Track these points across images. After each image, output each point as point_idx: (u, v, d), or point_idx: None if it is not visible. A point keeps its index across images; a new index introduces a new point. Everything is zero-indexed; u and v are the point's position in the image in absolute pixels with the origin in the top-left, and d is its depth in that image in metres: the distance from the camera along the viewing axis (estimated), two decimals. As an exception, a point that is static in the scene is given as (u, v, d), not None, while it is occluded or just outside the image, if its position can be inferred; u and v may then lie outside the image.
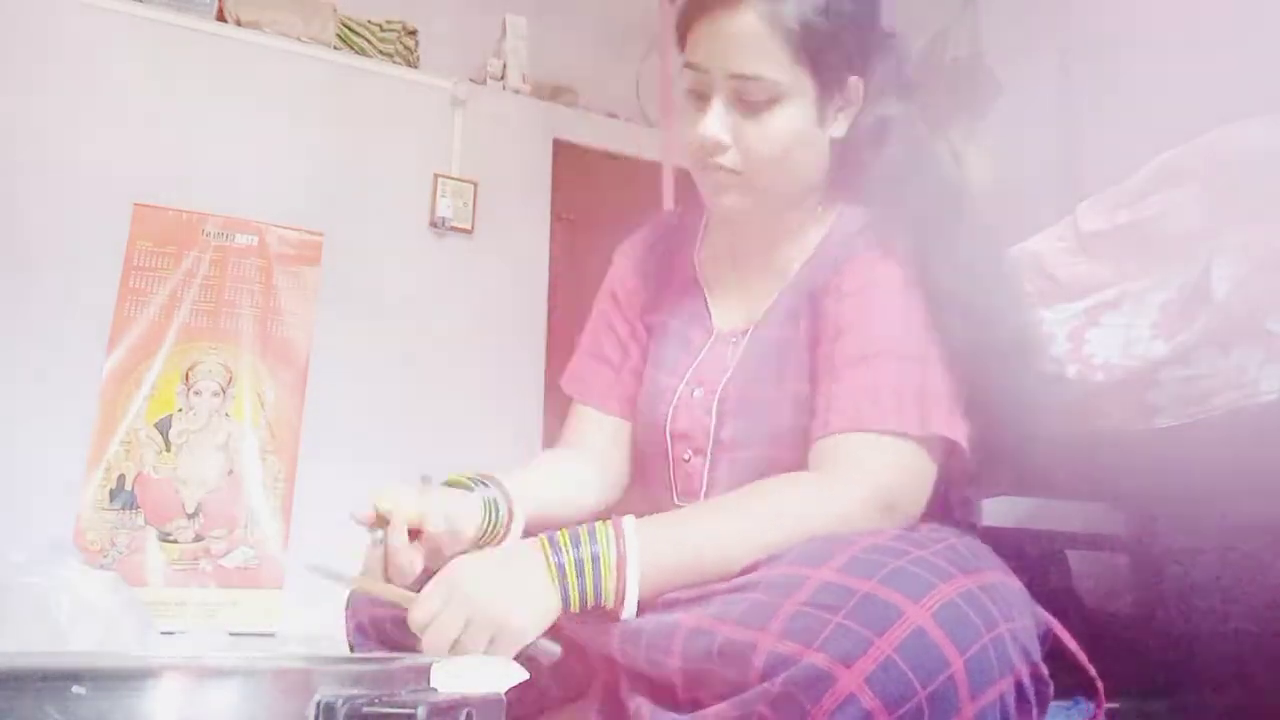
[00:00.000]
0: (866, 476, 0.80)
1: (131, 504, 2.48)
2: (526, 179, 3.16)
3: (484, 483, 0.90)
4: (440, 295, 2.96)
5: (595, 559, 0.77)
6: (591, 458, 1.06)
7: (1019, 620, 0.69)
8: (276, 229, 2.81)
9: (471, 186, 3.02)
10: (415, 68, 3.15)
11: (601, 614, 0.80)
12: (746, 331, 0.99)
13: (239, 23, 2.93)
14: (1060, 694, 0.74)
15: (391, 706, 0.53)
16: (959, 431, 0.83)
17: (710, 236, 1.09)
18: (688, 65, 0.92)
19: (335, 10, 3.10)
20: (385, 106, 3.02)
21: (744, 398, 0.95)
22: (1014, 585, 0.74)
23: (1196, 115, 1.20)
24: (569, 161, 3.24)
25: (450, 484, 0.90)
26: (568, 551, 0.78)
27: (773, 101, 0.88)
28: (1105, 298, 1.15)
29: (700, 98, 0.91)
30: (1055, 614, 0.82)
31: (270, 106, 2.88)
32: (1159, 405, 1.06)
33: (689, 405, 0.98)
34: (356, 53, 3.10)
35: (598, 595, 0.78)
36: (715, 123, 0.90)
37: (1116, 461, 1.38)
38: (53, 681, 0.48)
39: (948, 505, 0.92)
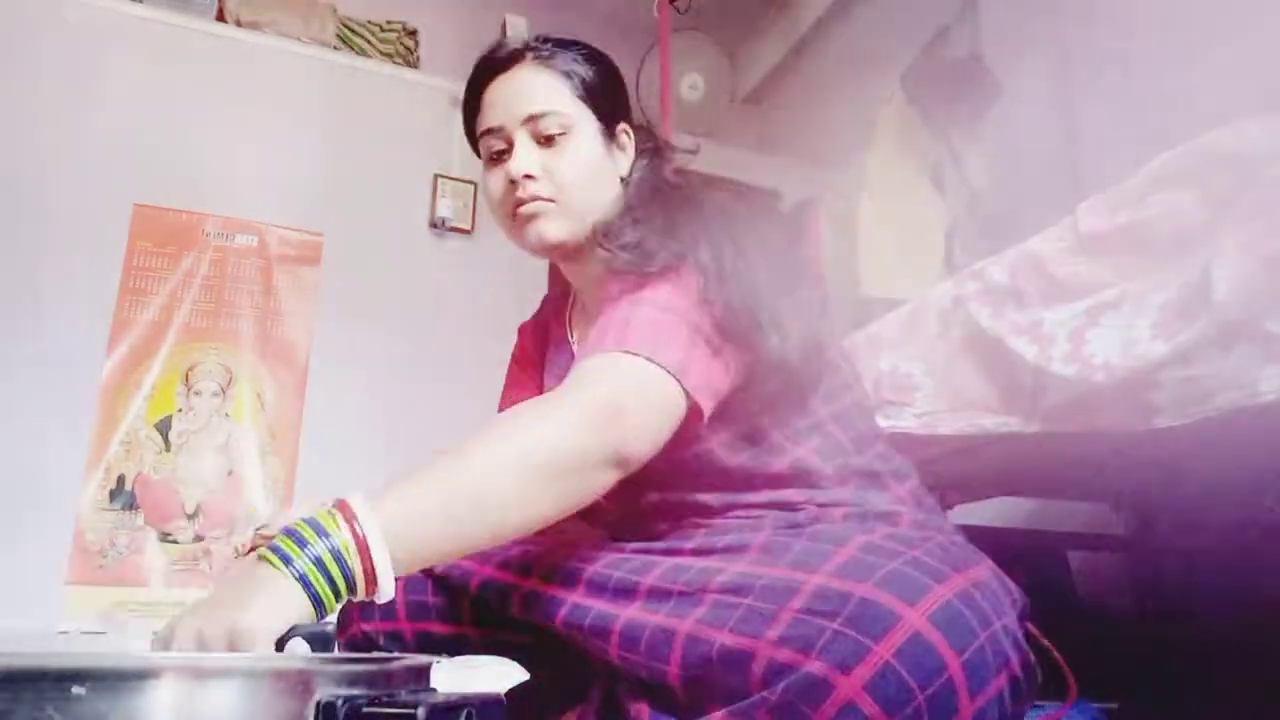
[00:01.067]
0: (586, 387, 0.79)
1: (131, 504, 2.48)
2: (526, 179, 3.16)
3: None
4: (440, 296, 2.96)
5: (337, 553, 0.67)
6: None
7: (1009, 613, 0.70)
8: (276, 229, 2.81)
9: (471, 187, 3.02)
10: (415, 68, 3.15)
11: (598, 604, 0.82)
12: None
13: (239, 23, 2.93)
14: (1058, 693, 0.74)
15: (391, 707, 0.53)
16: (656, 350, 0.81)
17: (577, 299, 1.15)
18: (485, 133, 1.02)
19: (335, 11, 3.10)
20: (385, 107, 3.02)
21: None
22: (999, 574, 0.75)
23: (1196, 115, 1.20)
24: (569, 162, 3.24)
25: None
26: (299, 557, 0.67)
27: (567, 133, 0.99)
28: (1105, 298, 1.14)
29: (501, 155, 1.01)
30: (1055, 616, 0.82)
31: (270, 106, 2.88)
32: (1159, 405, 1.06)
33: None
34: (356, 53, 3.10)
35: (350, 587, 0.68)
36: (523, 158, 0.98)
37: (1116, 461, 1.38)
38: (53, 681, 0.48)
39: (872, 473, 0.92)
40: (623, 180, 1.04)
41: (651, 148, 1.07)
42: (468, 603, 0.98)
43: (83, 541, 2.41)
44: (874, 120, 2.35)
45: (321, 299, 2.81)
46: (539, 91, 1.00)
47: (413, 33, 3.21)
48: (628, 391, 0.79)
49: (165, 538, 2.49)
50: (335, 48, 3.06)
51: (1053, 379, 1.18)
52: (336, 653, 0.80)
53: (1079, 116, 2.02)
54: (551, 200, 0.99)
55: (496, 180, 1.02)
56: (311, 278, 2.81)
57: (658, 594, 0.79)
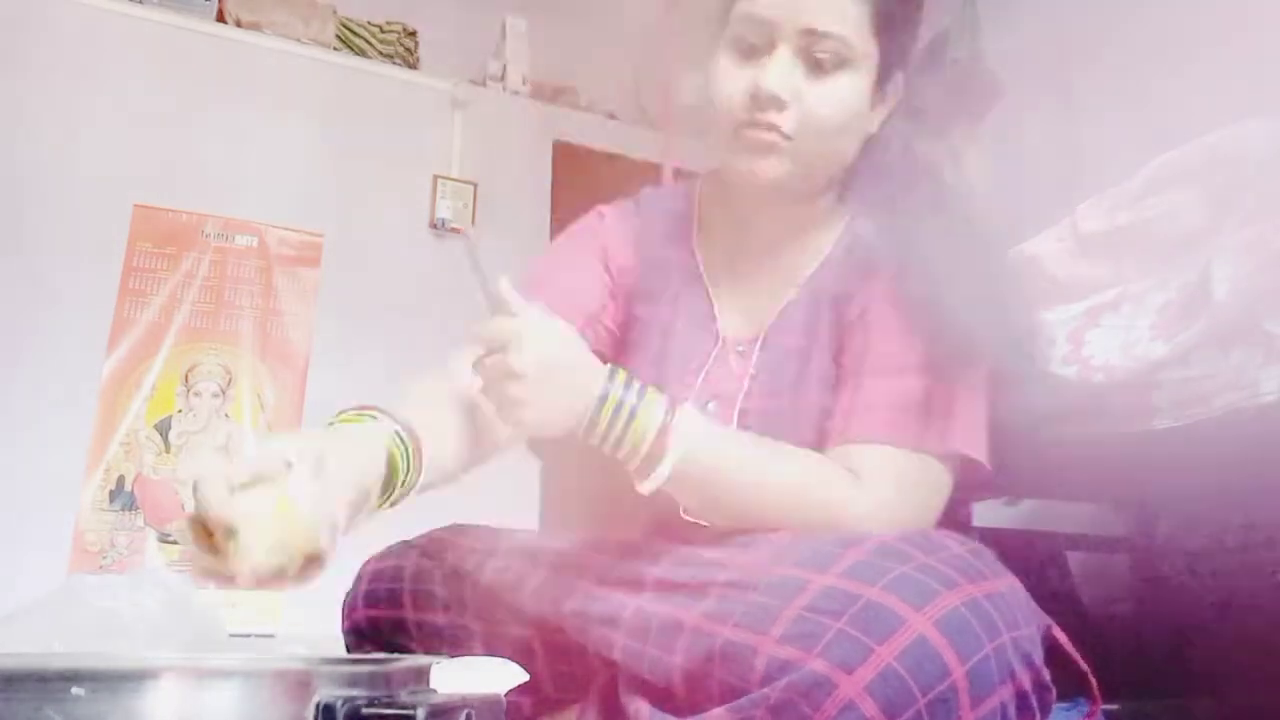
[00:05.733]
0: (889, 498, 0.80)
1: (131, 505, 2.48)
2: (526, 180, 3.16)
3: (374, 416, 0.75)
4: (440, 296, 2.95)
5: (633, 412, 0.77)
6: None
7: (1023, 628, 0.69)
8: (276, 229, 2.81)
9: (471, 188, 3.02)
10: (415, 69, 3.15)
11: (606, 599, 0.80)
12: (757, 339, 0.94)
13: (239, 24, 2.93)
14: (1060, 695, 0.74)
15: (391, 707, 0.53)
16: (981, 448, 0.83)
17: (706, 229, 1.01)
18: (745, 15, 0.85)
19: (335, 11, 3.10)
20: (385, 107, 3.02)
21: (764, 412, 0.90)
22: (1020, 592, 0.74)
23: (1196, 115, 1.20)
24: (569, 162, 3.24)
25: (344, 422, 0.75)
26: (618, 389, 0.77)
27: (841, 65, 0.84)
28: (1105, 299, 1.14)
29: (753, 50, 0.85)
30: (1055, 615, 0.82)
31: (270, 107, 2.88)
32: (1159, 406, 1.06)
33: None
34: (356, 54, 3.10)
35: (620, 443, 0.78)
36: (778, 75, 0.83)
37: (1116, 462, 1.38)
38: (52, 682, 0.48)
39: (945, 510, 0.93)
40: (867, 139, 0.91)
41: (908, 108, 0.94)
42: (472, 594, 0.97)
43: (82, 542, 2.41)
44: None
45: (321, 299, 2.81)
46: (835, 5, 0.83)
47: (413, 33, 3.20)
48: (927, 514, 0.82)
49: (165, 538, 2.49)
50: (335, 49, 3.06)
51: (1052, 379, 1.18)
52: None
53: (1079, 117, 2.02)
54: (790, 138, 0.85)
55: (734, 83, 0.85)
56: (311, 278, 2.81)
57: (665, 585, 0.79)
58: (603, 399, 0.77)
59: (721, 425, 0.87)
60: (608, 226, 1.02)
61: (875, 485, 0.80)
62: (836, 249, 0.94)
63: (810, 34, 0.83)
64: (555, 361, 0.76)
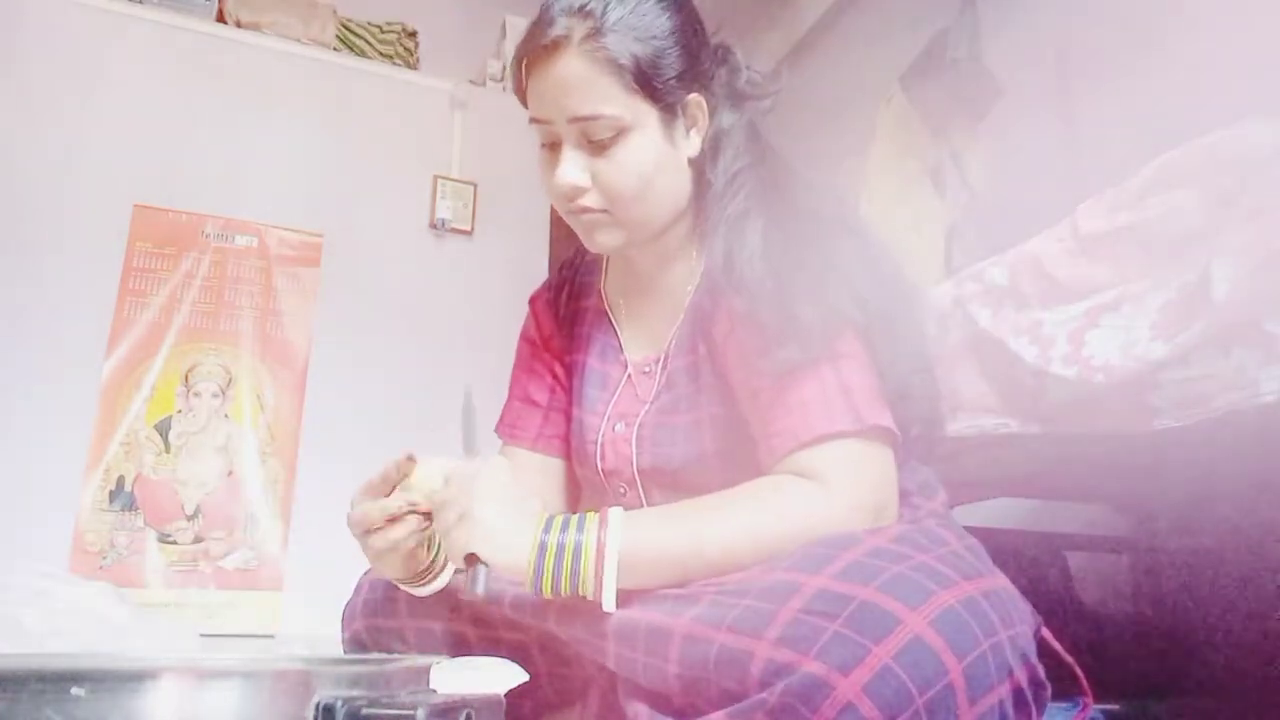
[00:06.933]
0: (843, 491, 0.79)
1: (131, 505, 2.48)
2: (526, 180, 3.15)
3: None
4: (440, 297, 2.96)
5: (577, 547, 0.79)
6: None
7: (1018, 625, 0.69)
8: (276, 230, 2.81)
9: (471, 188, 3.02)
10: (415, 69, 3.15)
11: (588, 606, 0.80)
12: (658, 360, 1.00)
13: (239, 24, 2.93)
14: (1059, 695, 0.74)
15: (390, 708, 0.53)
16: (888, 417, 0.83)
17: (612, 268, 1.10)
18: (532, 120, 0.94)
19: (335, 12, 3.10)
20: (385, 108, 3.02)
21: (660, 425, 0.96)
22: (1012, 589, 0.74)
23: (1196, 115, 1.20)
24: (569, 162, 3.24)
25: None
26: (554, 533, 0.80)
27: (619, 136, 0.90)
28: (1104, 299, 1.14)
29: (552, 147, 0.93)
30: (1054, 616, 0.82)
31: (270, 107, 2.88)
32: (1159, 407, 1.06)
33: (613, 441, 1.00)
34: (356, 54, 3.10)
35: (574, 584, 0.78)
36: (570, 168, 0.91)
37: (1116, 462, 1.38)
38: (52, 682, 0.48)
39: (902, 491, 0.91)
40: (692, 161, 0.96)
41: (729, 104, 0.97)
42: (468, 601, 0.97)
43: (82, 542, 2.41)
44: (874, 121, 2.35)
45: (321, 300, 2.81)
46: (586, 92, 0.88)
47: (413, 34, 3.21)
48: (883, 485, 0.82)
49: (165, 539, 2.49)
50: (335, 49, 3.06)
51: (1053, 380, 1.18)
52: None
53: (1079, 116, 2.02)
54: (605, 211, 0.93)
55: (550, 178, 0.94)
56: (311, 278, 2.81)
57: (649, 593, 0.79)
58: (542, 548, 0.79)
59: (663, 505, 0.89)
60: (530, 314, 1.14)
61: (829, 481, 0.80)
62: (706, 269, 0.98)
63: (579, 121, 0.89)
64: (505, 495, 0.82)
